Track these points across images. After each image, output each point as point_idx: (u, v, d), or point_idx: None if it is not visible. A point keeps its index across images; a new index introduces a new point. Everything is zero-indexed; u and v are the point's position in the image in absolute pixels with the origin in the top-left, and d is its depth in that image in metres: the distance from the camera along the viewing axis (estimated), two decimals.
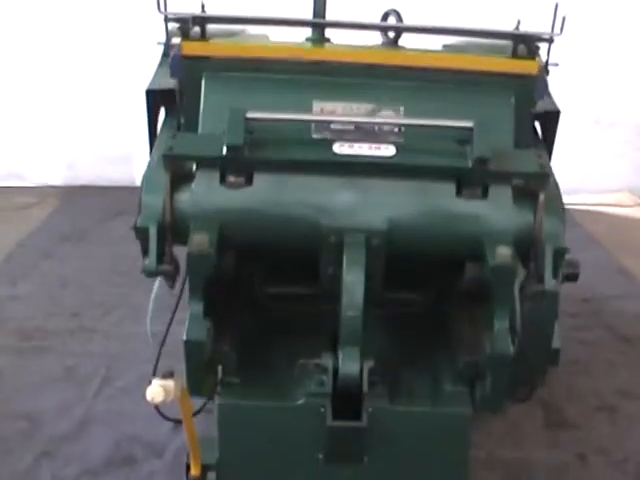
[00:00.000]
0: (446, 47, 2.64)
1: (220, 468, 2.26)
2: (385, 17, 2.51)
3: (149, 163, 2.16)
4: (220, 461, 2.26)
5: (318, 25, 2.30)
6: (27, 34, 5.36)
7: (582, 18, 4.93)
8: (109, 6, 5.19)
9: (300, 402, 2.19)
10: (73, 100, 5.49)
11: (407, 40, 2.46)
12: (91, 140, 5.61)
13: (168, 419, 2.35)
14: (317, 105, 2.12)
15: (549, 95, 2.42)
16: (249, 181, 2.02)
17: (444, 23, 2.40)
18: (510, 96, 2.17)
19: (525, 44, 2.25)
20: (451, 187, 2.04)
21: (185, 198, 2.01)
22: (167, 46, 2.52)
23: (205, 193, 2.01)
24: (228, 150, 1.96)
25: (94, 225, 4.85)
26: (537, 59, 2.25)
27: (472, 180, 2.04)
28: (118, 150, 5.51)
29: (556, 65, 2.33)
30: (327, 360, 2.18)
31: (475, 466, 2.41)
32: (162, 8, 2.16)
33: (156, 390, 1.70)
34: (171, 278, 2.09)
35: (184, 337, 2.02)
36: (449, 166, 2.04)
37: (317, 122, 2.07)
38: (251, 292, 2.33)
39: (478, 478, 2.40)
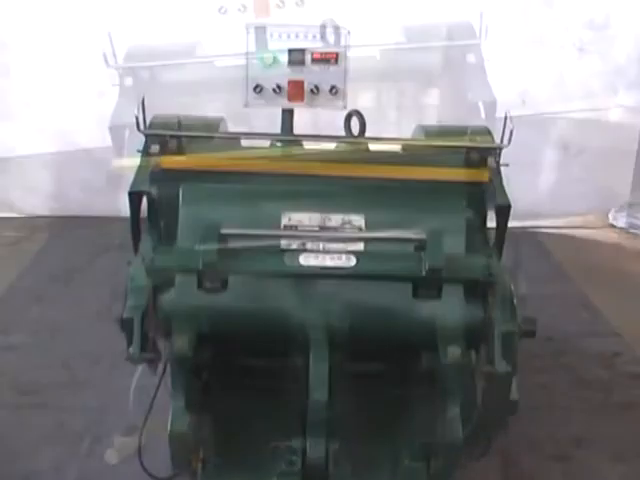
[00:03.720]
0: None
1: None
2: (348, 117, 2.70)
3: (135, 263, 2.38)
4: None
5: (286, 141, 2.51)
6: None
7: None
8: None
9: None
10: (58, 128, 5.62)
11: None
12: (77, 169, 5.77)
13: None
14: (285, 216, 2.36)
15: (503, 190, 2.63)
16: (224, 286, 2.27)
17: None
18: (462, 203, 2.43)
19: (477, 153, 2.51)
20: (408, 289, 2.29)
21: (167, 301, 2.28)
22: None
23: (184, 297, 2.27)
24: (204, 265, 2.20)
25: (82, 263, 5.04)
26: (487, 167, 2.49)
27: (426, 284, 2.28)
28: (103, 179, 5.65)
29: (507, 165, 2.56)
30: (297, 443, 2.44)
31: None
32: (142, 127, 2.39)
33: None
34: (153, 365, 2.39)
35: (168, 429, 2.29)
36: (404, 275, 2.28)
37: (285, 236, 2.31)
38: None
39: None
